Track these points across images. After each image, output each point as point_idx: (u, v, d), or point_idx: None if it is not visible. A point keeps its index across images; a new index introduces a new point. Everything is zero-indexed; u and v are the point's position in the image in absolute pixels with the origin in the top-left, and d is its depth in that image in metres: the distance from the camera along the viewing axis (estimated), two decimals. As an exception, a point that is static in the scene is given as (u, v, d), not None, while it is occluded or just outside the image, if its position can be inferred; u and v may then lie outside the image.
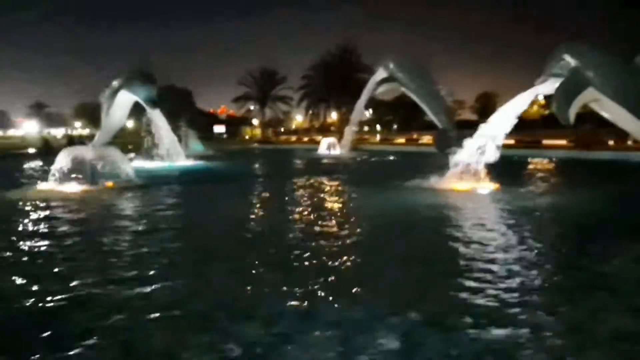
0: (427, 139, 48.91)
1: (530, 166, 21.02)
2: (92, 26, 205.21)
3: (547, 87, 10.46)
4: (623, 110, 8.67)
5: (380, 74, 25.68)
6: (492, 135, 12.52)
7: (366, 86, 27.88)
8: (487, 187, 12.86)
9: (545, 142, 34.52)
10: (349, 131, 30.62)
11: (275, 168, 24.05)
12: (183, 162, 24.31)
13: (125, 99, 24.07)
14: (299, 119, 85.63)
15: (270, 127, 69.61)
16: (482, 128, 12.79)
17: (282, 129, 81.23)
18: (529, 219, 9.00)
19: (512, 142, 32.26)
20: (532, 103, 52.11)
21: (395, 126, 74.81)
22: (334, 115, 68.61)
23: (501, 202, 11.03)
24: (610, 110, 9.09)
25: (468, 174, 13.09)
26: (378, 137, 61.68)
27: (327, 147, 33.69)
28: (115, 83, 23.98)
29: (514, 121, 12.00)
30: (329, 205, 11.54)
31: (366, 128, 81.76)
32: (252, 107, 65.18)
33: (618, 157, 24.11)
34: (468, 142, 13.12)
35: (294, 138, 71.80)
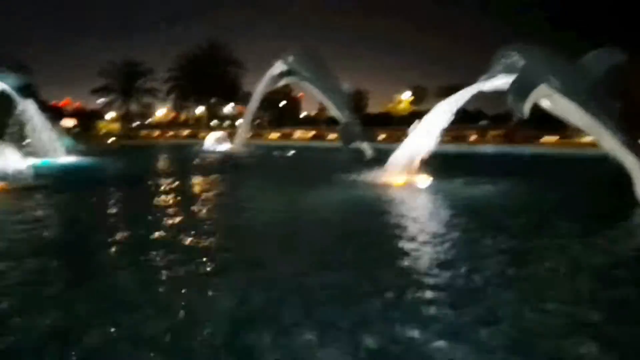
0: (299, 134, 51.01)
1: (464, 160, 22.09)
2: None
3: (491, 84, 11.24)
4: (574, 106, 9.68)
5: (279, 67, 25.24)
6: (429, 130, 13.10)
7: (262, 79, 27.22)
8: (424, 180, 13.42)
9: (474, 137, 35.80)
10: (244, 125, 29.74)
11: (172, 166, 22.44)
12: (63, 158, 21.50)
13: (-10, 88, 20.45)
14: (159, 113, 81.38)
15: (129, 121, 64.80)
16: (420, 123, 13.30)
17: (142, 123, 76.16)
18: (462, 209, 9.70)
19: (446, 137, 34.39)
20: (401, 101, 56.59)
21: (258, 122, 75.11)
22: (200, 109, 66.68)
23: (437, 194, 11.82)
24: (561, 107, 10.07)
25: (405, 168, 13.51)
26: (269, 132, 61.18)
27: (215, 142, 32.37)
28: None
29: (452, 117, 12.68)
30: (278, 206, 10.83)
31: (227, 122, 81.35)
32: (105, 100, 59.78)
33: (542, 152, 26.14)
34: (406, 137, 13.59)
35: (156, 133, 68.12)
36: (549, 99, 10.07)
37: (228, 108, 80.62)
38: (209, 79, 56.73)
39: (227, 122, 79.25)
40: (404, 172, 13.58)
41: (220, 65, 58.49)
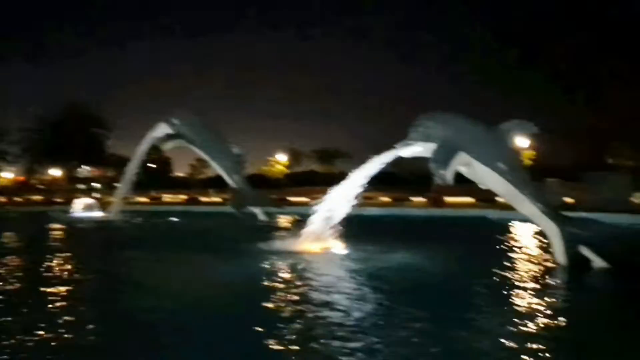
0: (169, 197, 48.64)
1: (381, 224, 21.93)
2: None
3: (410, 150, 11.61)
4: (493, 174, 10.29)
5: (163, 129, 23.91)
6: (344, 195, 13.07)
7: (142, 142, 25.50)
8: (339, 247, 13.24)
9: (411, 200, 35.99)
10: (122, 190, 27.28)
11: (32, 239, 19.30)
12: None
13: None
14: (6, 176, 72.56)
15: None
16: (336, 189, 13.22)
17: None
18: (375, 278, 9.79)
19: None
20: (277, 163, 57.12)
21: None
22: (56, 172, 60.75)
23: (351, 261, 11.65)
24: (481, 174, 10.65)
25: (320, 235, 13.26)
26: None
27: (85, 208, 29.27)
28: None
29: (366, 181, 12.81)
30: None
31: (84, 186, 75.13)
32: None
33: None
34: (320, 204, 13.40)
35: (1, 199, 60.26)
36: (468, 166, 10.59)
37: (85, 171, 74.72)
38: (68, 140, 52.22)
39: (84, 186, 73.17)
40: (319, 239, 13.31)
41: (81, 125, 54.32)
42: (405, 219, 24.74)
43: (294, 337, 6.15)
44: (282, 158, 55.50)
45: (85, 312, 7.59)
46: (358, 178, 12.79)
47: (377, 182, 13.18)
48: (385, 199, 35.87)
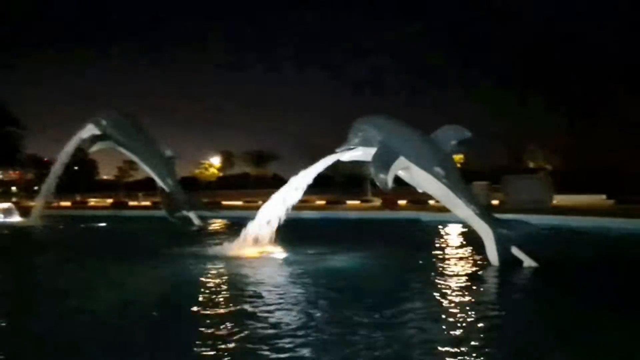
0: (94, 201, 46.36)
1: (317, 227, 21.66)
2: None
3: (350, 154, 11.68)
4: (431, 178, 10.58)
5: (89, 130, 22.62)
6: (284, 198, 12.98)
7: (68, 143, 24.04)
8: (277, 251, 13.16)
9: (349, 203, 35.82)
10: (44, 193, 25.50)
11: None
12: None
13: None
14: None
15: None
16: (276, 193, 13.11)
17: None
18: (313, 281, 9.88)
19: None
20: (209, 166, 55.89)
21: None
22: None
23: (289, 265, 11.70)
24: (418, 178, 10.90)
25: (257, 239, 13.11)
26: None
27: (2, 213, 27.17)
28: None
29: (307, 184, 12.79)
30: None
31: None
32: None
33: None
34: (261, 208, 13.25)
35: None
36: (406, 170, 10.83)
37: (3, 173, 69.62)
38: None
39: (5, 189, 68.17)
40: (257, 243, 13.16)
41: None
42: (341, 222, 25.00)
43: (224, 342, 6.04)
44: (214, 161, 54.42)
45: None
46: (297, 182, 12.73)
47: (312, 185, 13.21)
48: (321, 202, 36.12)
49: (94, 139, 22.54)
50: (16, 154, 54.01)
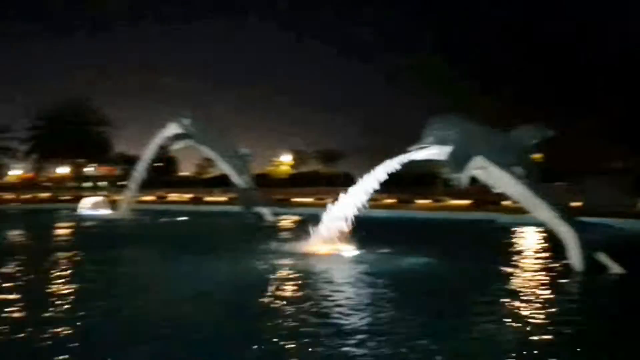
0: (175, 196, 48.73)
1: (388, 226, 21.53)
2: None
3: (424, 153, 11.55)
4: (509, 178, 10.25)
5: (172, 129, 23.99)
6: (356, 198, 13.04)
7: (152, 141, 25.55)
8: (347, 249, 13.19)
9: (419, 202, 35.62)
10: (131, 189, 27.31)
11: (54, 237, 19.35)
12: None
13: None
14: (12, 173, 72.98)
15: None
16: (348, 191, 13.18)
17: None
18: (383, 280, 9.70)
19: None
20: (281, 164, 57.24)
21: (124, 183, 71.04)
22: (63, 170, 61.08)
23: (361, 264, 11.57)
24: (496, 178, 10.61)
25: (331, 236, 13.23)
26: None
27: (92, 206, 29.32)
28: None
29: (378, 184, 12.78)
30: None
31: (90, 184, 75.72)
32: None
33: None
34: (333, 205, 13.38)
35: (9, 195, 60.57)
36: (483, 170, 10.55)
37: (91, 169, 75.01)
38: (75, 138, 52.32)
39: (95, 184, 73.61)
40: (329, 240, 13.28)
41: (87, 123, 54.46)
42: (411, 221, 24.72)
43: (290, 339, 6.08)
44: (286, 158, 55.55)
45: (88, 309, 7.59)
46: (370, 181, 12.73)
47: (383, 183, 13.14)
48: (390, 200, 35.83)
49: (176, 138, 23.87)
50: (107, 151, 57.95)
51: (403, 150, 12.23)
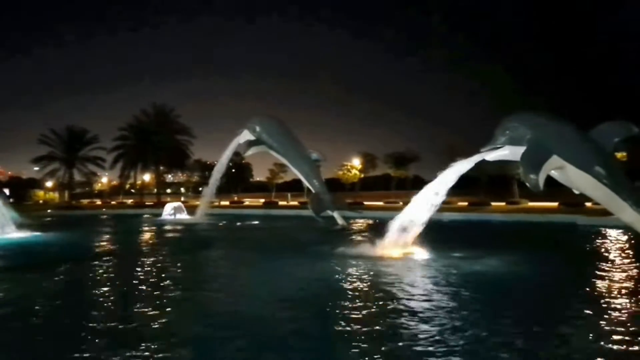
0: (249, 201, 50.30)
1: (462, 230, 21.23)
2: None
3: (496, 154, 11.30)
4: (588, 177, 9.77)
5: (246, 135, 24.87)
6: (427, 199, 12.95)
7: (228, 148, 26.66)
8: (420, 252, 13.10)
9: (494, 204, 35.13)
10: (207, 194, 28.69)
11: (133, 239, 20.81)
12: (14, 234, 19.53)
13: None
14: (103, 181, 78.45)
15: (71, 189, 61.50)
16: (420, 193, 13.13)
17: (85, 192, 72.67)
18: (457, 285, 9.41)
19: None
20: (352, 168, 57.37)
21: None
22: (145, 177, 64.66)
23: (435, 268, 11.28)
24: (575, 179, 10.16)
25: (402, 239, 13.21)
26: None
27: (173, 211, 31.01)
28: None
29: (449, 186, 12.63)
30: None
31: (172, 190, 79.79)
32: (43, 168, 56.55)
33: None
34: (404, 209, 13.37)
35: (99, 202, 65.25)
36: (560, 170, 10.14)
37: (174, 176, 79.02)
38: (156, 146, 55.32)
39: (174, 190, 77.67)
40: (401, 244, 13.26)
41: (167, 132, 57.36)
42: (485, 224, 24.00)
43: (370, 343, 6.11)
44: (356, 162, 55.59)
45: (174, 306, 8.14)
46: (441, 183, 12.62)
47: (455, 186, 12.90)
48: (463, 203, 34.97)
49: (249, 144, 24.67)
50: (185, 159, 60.78)
51: (475, 152, 12.06)
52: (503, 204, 35.46)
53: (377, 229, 15.02)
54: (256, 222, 27.45)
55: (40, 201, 65.65)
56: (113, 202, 59.93)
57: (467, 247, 13.91)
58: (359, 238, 17.93)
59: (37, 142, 54.25)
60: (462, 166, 12.18)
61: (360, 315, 7.39)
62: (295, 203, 44.01)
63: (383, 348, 5.94)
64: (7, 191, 65.86)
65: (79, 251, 16.05)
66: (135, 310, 7.92)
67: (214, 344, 6.19)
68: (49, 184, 66.42)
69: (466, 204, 34.78)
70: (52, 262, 13.27)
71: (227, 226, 25.89)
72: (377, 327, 6.75)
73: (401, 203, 29.54)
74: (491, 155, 11.42)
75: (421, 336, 6.31)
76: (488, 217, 26.22)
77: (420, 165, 58.68)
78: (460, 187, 13.21)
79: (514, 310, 7.70)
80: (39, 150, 54.96)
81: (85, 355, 5.76)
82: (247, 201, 53.66)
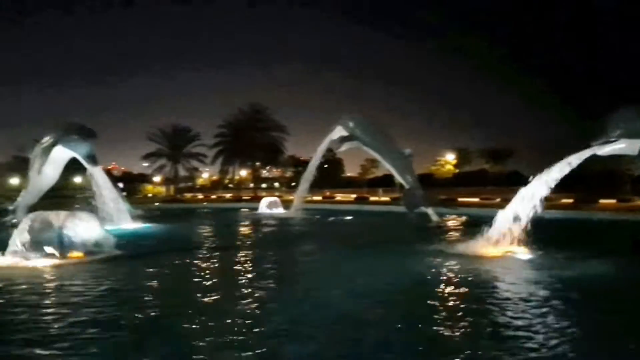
0: (340, 196, 50.73)
1: (567, 229, 19.90)
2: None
3: (610, 148, 10.54)
4: None
5: (338, 132, 25.24)
6: (530, 196, 12.36)
7: (321, 144, 27.24)
8: (523, 252, 12.49)
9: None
10: (301, 189, 29.51)
11: (235, 232, 21.88)
12: (130, 224, 21.38)
13: (61, 155, 20.87)
14: (204, 176, 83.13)
15: (174, 184, 66.03)
16: (523, 190, 12.58)
17: (188, 186, 77.52)
18: (561, 288, 8.81)
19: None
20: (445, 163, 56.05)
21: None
22: (242, 172, 67.59)
23: (539, 269, 10.68)
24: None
25: (504, 237, 12.69)
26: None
27: (269, 205, 32.17)
28: (48, 138, 20.73)
29: (555, 183, 11.96)
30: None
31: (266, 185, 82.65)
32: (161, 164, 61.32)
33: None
34: (504, 206, 12.88)
35: (200, 196, 69.17)
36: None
37: (268, 171, 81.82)
38: (253, 143, 57.68)
39: (268, 185, 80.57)
40: (502, 242, 12.77)
41: (263, 129, 59.57)
42: (593, 223, 22.39)
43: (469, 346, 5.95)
44: (450, 157, 54.22)
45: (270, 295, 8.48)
46: (546, 179, 11.98)
47: (559, 182, 12.15)
48: (568, 200, 32.73)
49: (342, 140, 24.99)
50: (278, 155, 62.81)
51: (584, 146, 11.31)
52: (613, 201, 32.74)
53: (473, 226, 14.52)
54: (349, 218, 27.68)
55: (149, 195, 70.87)
56: (213, 196, 63.25)
57: (573, 247, 13.08)
58: (455, 235, 17.51)
59: (146, 139, 58.95)
60: (571, 161, 11.46)
61: (457, 318, 7.20)
62: (386, 199, 43.70)
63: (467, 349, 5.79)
64: (121, 185, 72.32)
65: (185, 242, 17.24)
66: (229, 299, 8.40)
67: (304, 340, 6.26)
68: (157, 178, 71.81)
69: (571, 201, 32.53)
70: (164, 252, 14.44)
71: (321, 221, 26.41)
72: (462, 328, 6.62)
73: (498, 200, 28.33)
74: (604, 150, 10.66)
75: (525, 345, 5.91)
76: (595, 216, 24.42)
77: (518, 159, 56.06)
78: (566, 183, 12.43)
79: (625, 316, 7.12)
80: (148, 147, 59.70)
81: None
82: (339, 196, 54.18)
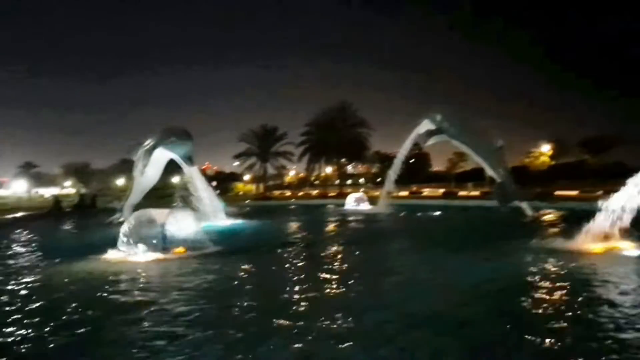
0: (428, 192, 49.66)
1: None
2: (84, 81, 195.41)
3: None
4: None
5: (426, 125, 24.79)
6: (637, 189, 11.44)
7: (408, 138, 26.93)
8: (628, 248, 11.56)
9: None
10: (388, 185, 29.43)
11: (324, 228, 22.21)
12: (224, 221, 22.49)
13: (161, 157, 22.42)
14: (291, 173, 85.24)
15: (265, 182, 68.43)
16: (628, 182, 11.67)
17: (276, 184, 79.98)
18: None
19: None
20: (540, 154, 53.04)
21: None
22: (328, 169, 68.42)
23: None
24: None
25: (608, 232, 11.84)
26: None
27: (355, 202, 32.34)
28: (150, 140, 22.34)
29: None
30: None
31: (351, 181, 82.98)
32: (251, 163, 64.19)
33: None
34: (607, 199, 12.00)
35: (288, 193, 71.03)
36: None
37: (353, 167, 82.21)
38: (339, 140, 58.24)
39: (354, 181, 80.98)
40: (605, 237, 11.92)
41: (349, 126, 59.96)
42: None
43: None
44: (545, 149, 51.20)
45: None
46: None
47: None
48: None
49: (430, 134, 24.53)
50: (364, 151, 62.87)
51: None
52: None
53: (572, 221, 13.59)
54: (437, 213, 27.07)
55: (240, 192, 73.97)
56: (300, 193, 64.67)
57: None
58: (552, 230, 16.57)
59: (237, 140, 61.86)
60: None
61: (561, 321, 6.79)
62: (476, 193, 42.26)
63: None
64: (214, 184, 76.16)
65: (277, 237, 17.78)
66: (315, 293, 8.55)
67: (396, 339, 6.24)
68: (246, 177, 74.80)
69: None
70: (259, 247, 15.00)
71: (408, 217, 26.06)
72: (555, 329, 6.30)
73: (600, 192, 26.39)
74: None
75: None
76: None
77: (625, 150, 51.91)
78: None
79: None
80: (239, 148, 62.53)
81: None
82: (426, 191, 53.17)
